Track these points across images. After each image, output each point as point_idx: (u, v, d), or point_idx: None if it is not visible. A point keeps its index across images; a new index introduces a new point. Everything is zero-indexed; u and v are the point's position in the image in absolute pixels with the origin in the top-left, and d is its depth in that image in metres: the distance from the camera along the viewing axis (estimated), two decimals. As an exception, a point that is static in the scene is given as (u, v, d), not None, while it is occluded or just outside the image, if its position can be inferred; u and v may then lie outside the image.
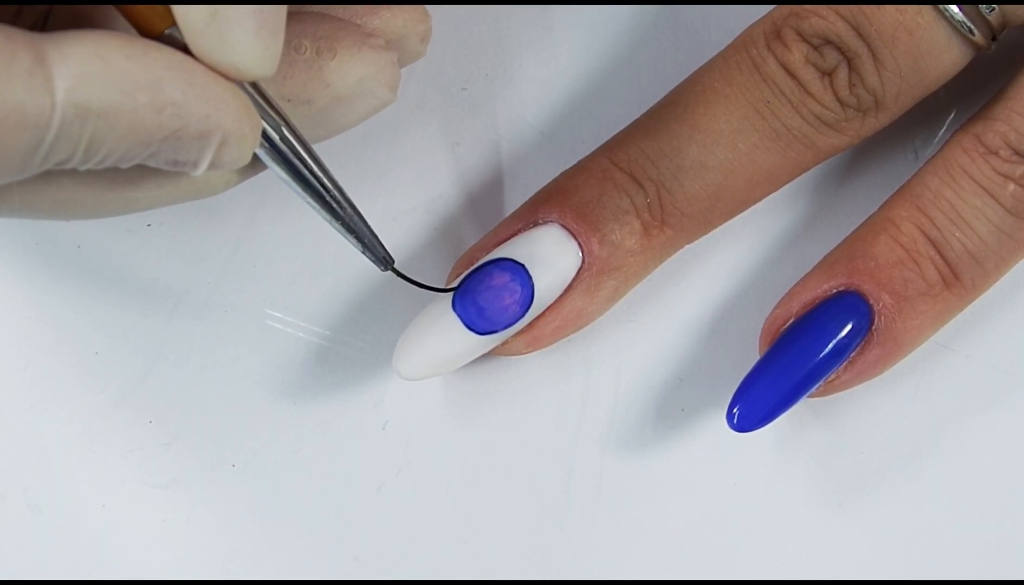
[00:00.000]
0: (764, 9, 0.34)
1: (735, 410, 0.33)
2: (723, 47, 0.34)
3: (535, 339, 0.34)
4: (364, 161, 0.37)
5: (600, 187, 0.33)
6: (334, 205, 0.30)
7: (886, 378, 0.35)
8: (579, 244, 0.33)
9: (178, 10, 0.26)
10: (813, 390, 0.33)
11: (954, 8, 0.32)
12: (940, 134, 0.36)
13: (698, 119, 0.33)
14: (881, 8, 0.32)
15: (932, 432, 0.36)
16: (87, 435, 0.36)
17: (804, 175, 0.35)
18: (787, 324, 0.34)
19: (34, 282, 0.36)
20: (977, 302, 0.34)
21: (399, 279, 0.33)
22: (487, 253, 0.34)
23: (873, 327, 0.33)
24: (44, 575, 0.36)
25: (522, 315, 0.33)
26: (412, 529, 0.36)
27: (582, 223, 0.33)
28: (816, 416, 0.36)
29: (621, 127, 0.35)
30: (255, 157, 0.29)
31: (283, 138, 0.29)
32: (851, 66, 0.32)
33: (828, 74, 0.33)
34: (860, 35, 0.32)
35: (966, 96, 0.36)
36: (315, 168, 0.29)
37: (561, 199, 0.34)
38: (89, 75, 0.25)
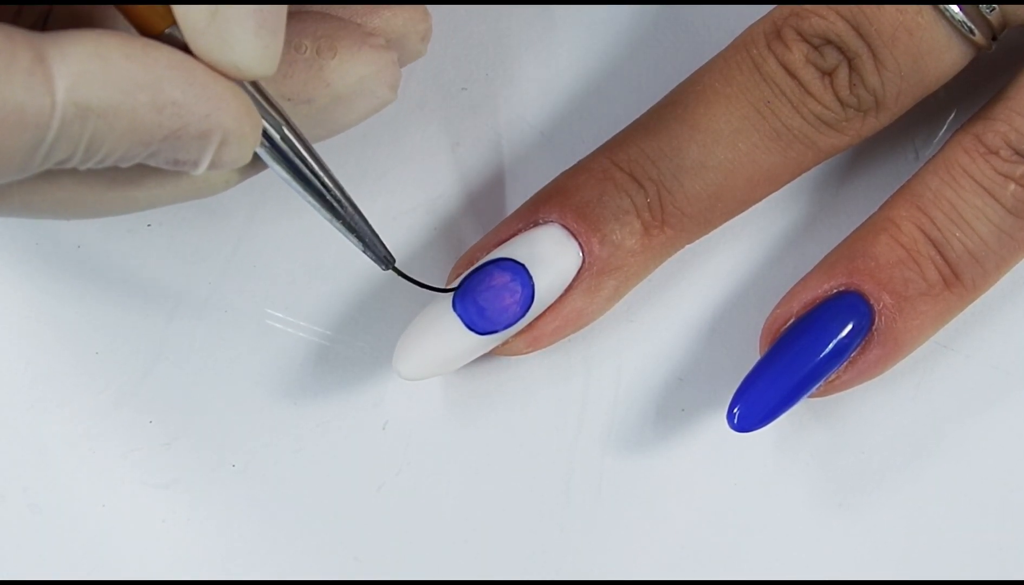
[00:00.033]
0: (764, 9, 0.34)
1: (735, 410, 0.33)
2: (723, 47, 0.34)
3: (535, 339, 0.34)
4: (364, 161, 0.37)
5: (600, 187, 0.33)
6: (335, 204, 0.30)
7: (886, 378, 0.35)
8: (579, 244, 0.33)
9: (178, 9, 0.26)
10: (813, 390, 0.33)
11: (954, 8, 0.32)
12: (940, 134, 0.36)
13: (698, 119, 0.33)
14: (881, 8, 0.32)
15: (932, 432, 0.36)
16: (87, 435, 0.36)
17: (804, 175, 0.35)
18: (787, 324, 0.34)
19: (34, 282, 0.36)
20: (977, 302, 0.34)
21: (399, 279, 0.33)
22: (487, 253, 0.34)
23: (873, 327, 0.33)
24: (44, 575, 0.36)
25: (522, 315, 0.33)
26: (412, 529, 0.36)
27: (582, 223, 0.33)
28: (816, 416, 0.36)
29: (621, 127, 0.35)
30: (255, 156, 0.29)
31: (283, 137, 0.29)
32: (851, 66, 0.32)
33: (828, 74, 0.33)
34: (860, 35, 0.32)
35: (966, 96, 0.36)
36: (316, 167, 0.29)
37: (561, 199, 0.34)
38: (89, 74, 0.25)
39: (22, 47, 0.25)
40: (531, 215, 0.34)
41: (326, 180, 0.30)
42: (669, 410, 0.36)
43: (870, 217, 0.34)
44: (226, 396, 0.36)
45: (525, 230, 0.34)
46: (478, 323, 0.33)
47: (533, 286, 0.33)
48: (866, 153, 0.36)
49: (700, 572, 0.35)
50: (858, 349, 0.33)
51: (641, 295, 0.36)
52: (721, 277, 0.36)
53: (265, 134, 0.28)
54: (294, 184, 0.29)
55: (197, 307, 0.36)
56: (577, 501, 0.36)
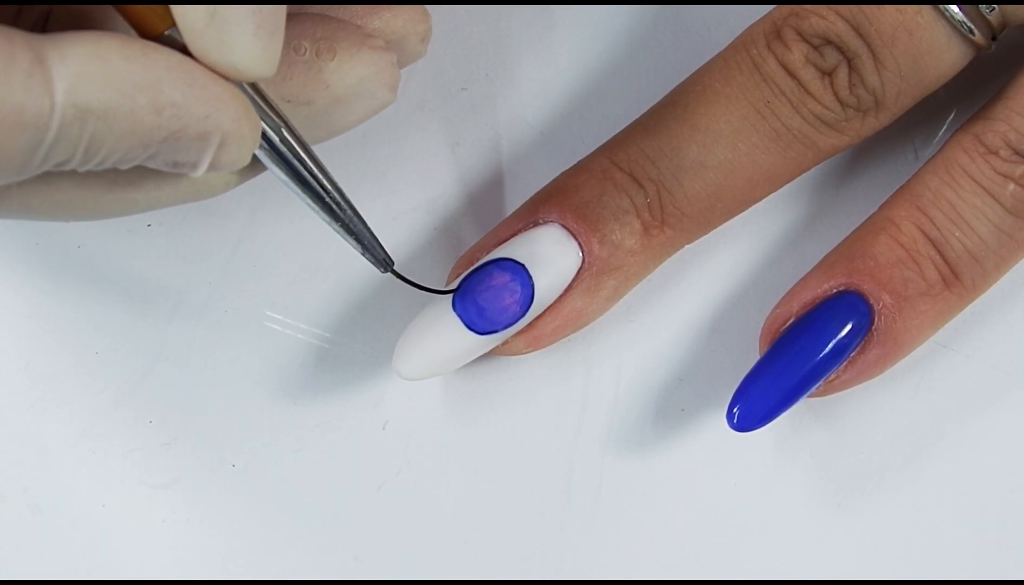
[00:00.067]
0: (764, 9, 0.34)
1: (735, 410, 0.33)
2: (723, 47, 0.34)
3: (535, 339, 0.34)
4: (364, 161, 0.37)
5: (600, 187, 0.33)
6: (334, 207, 0.30)
7: (886, 378, 0.35)
8: (579, 244, 0.33)
9: (177, 11, 0.26)
10: (813, 390, 0.33)
11: (954, 8, 0.32)
12: (940, 134, 0.36)
13: (698, 119, 0.33)
14: (881, 8, 0.32)
15: (932, 432, 0.36)
16: (87, 435, 0.36)
17: (804, 175, 0.35)
18: (787, 324, 0.34)
19: (34, 282, 0.36)
20: (977, 302, 0.34)
21: (399, 279, 0.33)
22: (487, 253, 0.34)
23: (873, 327, 0.33)
24: (44, 575, 0.36)
25: (522, 315, 0.33)
26: (412, 529, 0.36)
27: (582, 223, 0.33)
28: (816, 416, 0.36)
29: (621, 127, 0.34)
30: (254, 158, 0.29)
31: (283, 139, 0.29)
32: (851, 66, 0.32)
33: (828, 74, 0.33)
34: (860, 35, 0.32)
35: (966, 96, 0.36)
36: (315, 170, 0.29)
37: (561, 199, 0.34)
38: (88, 76, 0.25)
39: (21, 48, 0.25)
40: (531, 215, 0.34)
41: (325, 183, 0.30)
42: (669, 410, 0.36)
43: (870, 217, 0.34)
44: (226, 396, 0.36)
45: (525, 230, 0.34)
46: (478, 323, 0.33)
47: (533, 286, 0.33)
48: (866, 153, 0.36)
49: (700, 572, 0.35)
50: (858, 349, 0.33)
51: (641, 295, 0.36)
52: (721, 277, 0.36)
53: (264, 136, 0.28)
54: (293, 186, 0.29)
55: (197, 307, 0.36)
56: (577, 501, 0.36)
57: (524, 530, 0.36)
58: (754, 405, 0.33)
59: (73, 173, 0.27)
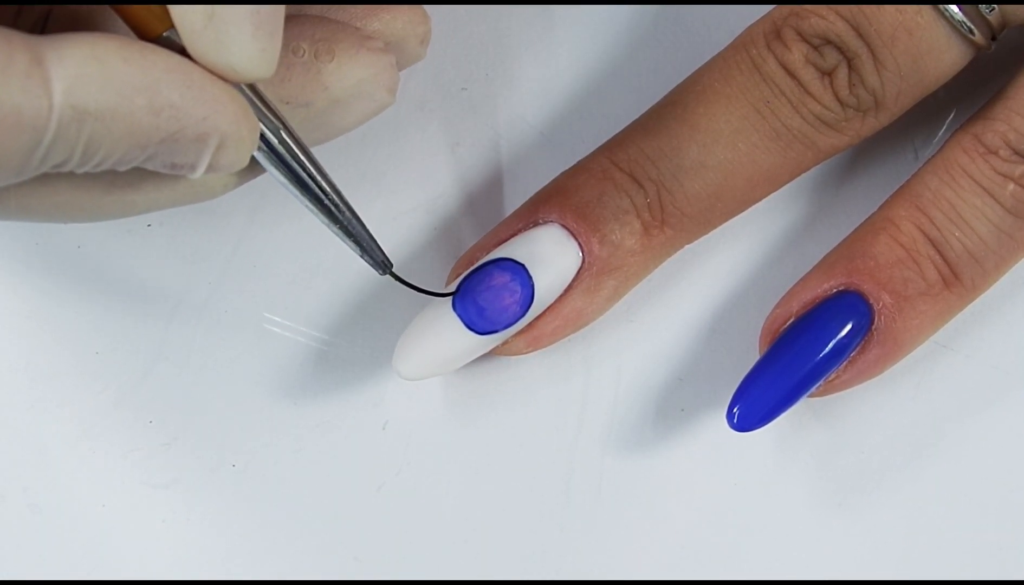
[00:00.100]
0: (764, 9, 0.34)
1: (735, 410, 0.33)
2: (723, 47, 0.34)
3: (535, 339, 0.34)
4: (364, 161, 0.37)
5: (600, 187, 0.33)
6: (332, 209, 0.30)
7: (886, 378, 0.35)
8: (579, 244, 0.33)
9: (175, 12, 0.26)
10: (813, 390, 0.33)
11: (954, 8, 0.32)
12: (940, 134, 0.36)
13: (698, 119, 0.33)
14: (881, 8, 0.32)
15: (932, 432, 0.36)
16: (87, 435, 0.36)
17: (804, 175, 0.35)
18: (787, 324, 0.34)
19: (34, 282, 0.36)
20: (977, 302, 0.34)
21: (398, 282, 0.33)
22: (487, 253, 0.34)
23: (873, 327, 0.33)
24: (44, 575, 0.36)
25: (522, 315, 0.33)
26: (412, 529, 0.36)
27: (582, 223, 0.33)
28: (816, 416, 0.36)
29: (621, 127, 0.34)
30: (253, 160, 0.29)
31: (281, 141, 0.29)
32: (851, 66, 0.32)
33: (828, 74, 0.33)
34: (860, 35, 0.32)
35: (966, 96, 0.36)
36: (313, 172, 0.29)
37: (561, 199, 0.34)
38: (86, 77, 0.25)
39: (19, 49, 0.25)
40: (531, 215, 0.34)
41: (323, 185, 0.30)
42: (669, 410, 0.36)
43: (870, 217, 0.34)
44: (226, 396, 0.36)
45: (525, 230, 0.34)
46: (478, 323, 0.33)
47: (533, 286, 0.33)
48: (866, 153, 0.36)
49: (700, 572, 0.35)
50: (858, 349, 0.33)
51: (641, 295, 0.36)
52: (721, 277, 0.36)
53: (263, 138, 0.28)
54: (291, 188, 0.29)
55: (197, 307, 0.36)
56: (577, 501, 0.36)
57: (524, 530, 0.36)
58: (754, 405, 0.33)
59: (71, 175, 0.27)
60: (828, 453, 0.36)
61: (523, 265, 0.33)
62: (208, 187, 0.29)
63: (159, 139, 0.26)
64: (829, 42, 0.32)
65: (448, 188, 0.37)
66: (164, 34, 0.27)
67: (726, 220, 0.34)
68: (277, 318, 0.36)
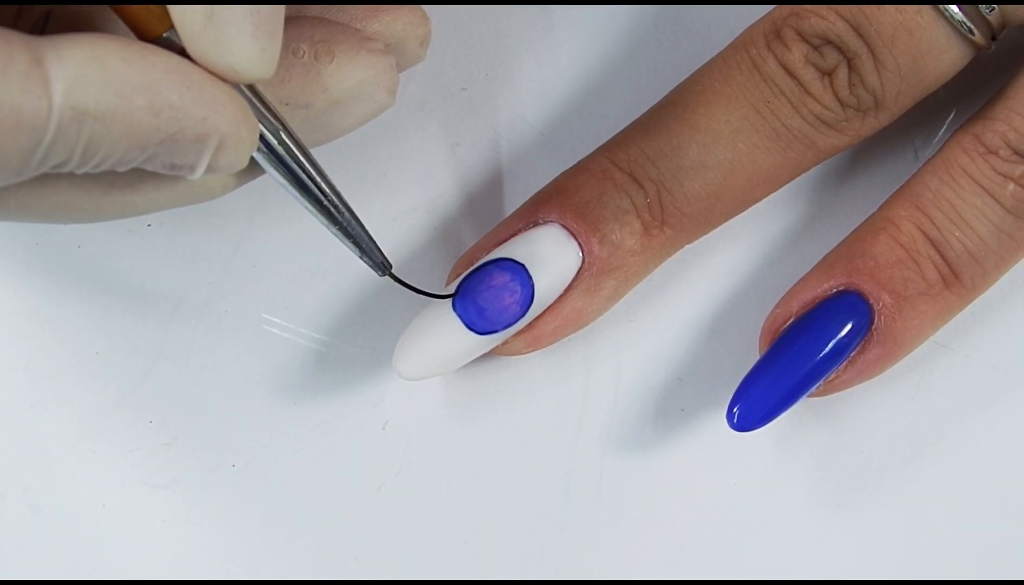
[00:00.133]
0: (764, 9, 0.34)
1: (735, 410, 0.33)
2: (723, 47, 0.34)
3: (535, 339, 0.34)
4: (364, 162, 0.37)
5: (600, 187, 0.33)
6: (332, 210, 0.30)
7: (886, 378, 0.35)
8: (579, 244, 0.33)
9: (175, 12, 0.26)
10: (813, 390, 0.33)
11: (954, 8, 0.32)
12: (940, 134, 0.36)
13: (698, 119, 0.33)
14: (881, 8, 0.32)
15: (932, 432, 0.36)
16: (87, 435, 0.36)
17: (804, 175, 0.35)
18: (787, 324, 0.34)
19: (34, 282, 0.36)
20: (977, 302, 0.34)
21: (397, 283, 0.33)
22: (487, 253, 0.34)
23: (873, 327, 0.33)
24: (44, 575, 0.36)
25: (522, 315, 0.33)
26: (412, 529, 0.36)
27: (582, 223, 0.33)
28: (816, 416, 0.36)
29: (621, 127, 0.34)
30: (252, 161, 0.29)
31: (281, 142, 0.29)
32: (851, 66, 0.32)
33: (828, 74, 0.33)
34: (860, 35, 0.32)
35: (966, 96, 0.36)
36: (312, 173, 0.29)
37: (561, 199, 0.34)
38: (86, 78, 0.25)
39: (19, 50, 0.25)
40: (531, 215, 0.34)
41: (323, 185, 0.30)
42: (669, 410, 0.36)
43: (870, 217, 0.34)
44: (226, 396, 0.36)
45: (525, 230, 0.34)
46: (478, 323, 0.33)
47: (533, 286, 0.33)
48: (866, 153, 0.36)
49: (700, 572, 0.35)
50: (857, 349, 0.33)
51: (641, 295, 0.36)
52: (721, 277, 0.36)
53: (262, 138, 0.28)
54: (291, 189, 0.29)
55: (197, 307, 0.36)
56: (577, 501, 0.36)
57: (524, 530, 0.36)
58: (754, 405, 0.33)
59: (71, 175, 0.27)
60: (828, 453, 0.36)
61: (523, 265, 0.33)
62: (207, 188, 0.29)
63: (159, 140, 0.26)
64: (829, 42, 0.32)
65: (448, 188, 0.37)
66: (164, 35, 0.27)
67: (726, 220, 0.34)
68: (276, 319, 0.36)
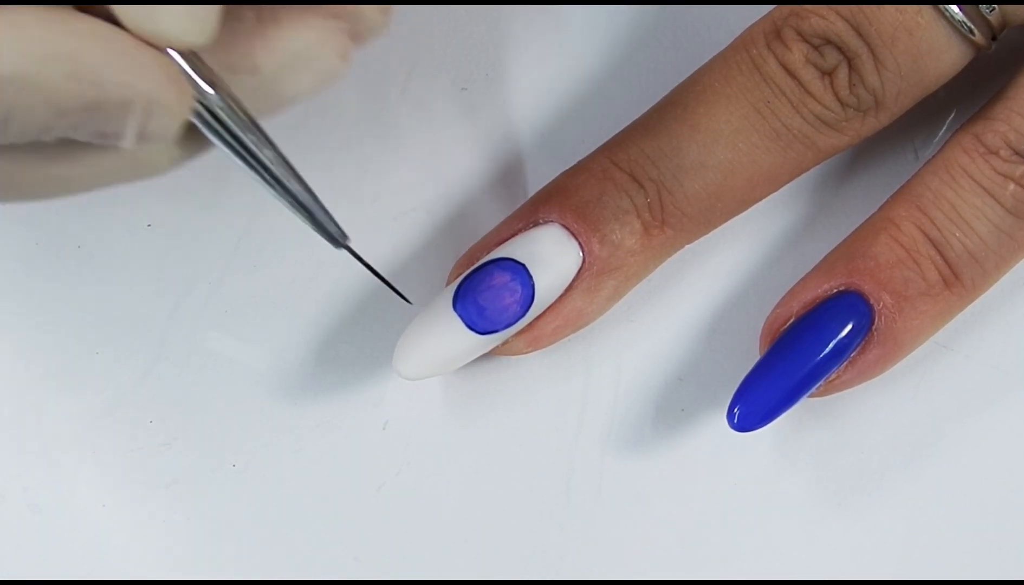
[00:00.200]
0: (764, 9, 0.34)
1: (735, 410, 0.33)
2: (723, 47, 0.34)
3: (535, 339, 0.34)
4: (364, 161, 0.37)
5: (600, 187, 0.33)
6: (280, 177, 0.29)
7: (886, 378, 0.35)
8: (579, 244, 0.33)
9: None
10: (813, 390, 0.33)
11: (954, 8, 0.32)
12: (940, 134, 0.36)
13: (698, 119, 0.33)
14: (881, 8, 0.32)
15: (932, 432, 0.36)
16: (87, 435, 0.36)
17: (804, 175, 0.35)
18: (787, 324, 0.34)
19: (34, 282, 0.36)
20: (977, 302, 0.34)
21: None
22: (487, 252, 0.34)
23: (873, 327, 0.33)
24: (44, 575, 0.36)
25: (522, 315, 0.33)
26: (412, 529, 0.36)
27: (582, 223, 0.33)
28: (816, 416, 0.36)
29: (621, 127, 0.34)
30: (198, 133, 0.28)
31: (222, 108, 0.27)
32: (851, 66, 0.32)
33: (828, 74, 0.33)
34: (860, 35, 0.32)
35: (966, 96, 0.36)
36: (256, 139, 0.28)
37: (561, 199, 0.34)
38: (2, 44, 0.24)
39: None
40: (531, 215, 0.34)
41: (268, 152, 0.28)
42: (669, 410, 0.36)
43: (870, 217, 0.34)
44: (226, 396, 0.36)
45: (525, 230, 0.34)
46: (478, 323, 0.33)
47: (533, 286, 0.33)
48: (866, 153, 0.36)
49: (700, 572, 0.35)
50: (858, 349, 0.33)
51: (641, 295, 0.36)
52: (721, 277, 0.36)
53: (204, 106, 0.27)
54: (235, 158, 0.28)
55: (197, 307, 0.36)
56: (577, 501, 0.36)
57: (524, 530, 0.36)
58: (754, 405, 0.33)
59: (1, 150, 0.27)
60: (828, 453, 0.36)
61: (523, 265, 0.33)
62: (152, 160, 0.28)
63: (80, 106, 0.25)
64: (829, 42, 0.32)
65: (448, 188, 0.37)
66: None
67: (726, 220, 0.34)
68: (273, 322, 0.36)
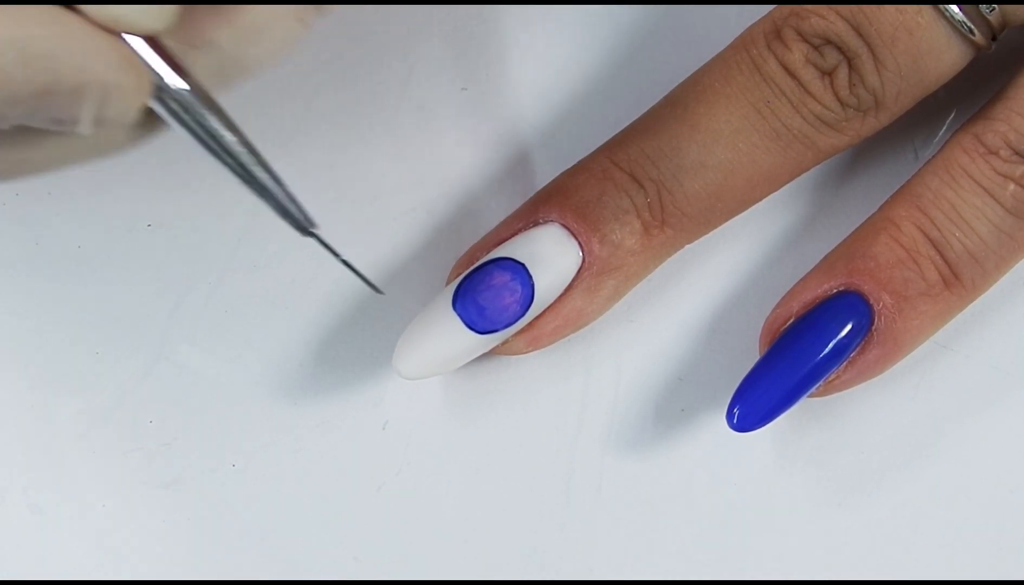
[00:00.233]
0: (764, 9, 0.34)
1: (735, 410, 0.33)
2: (723, 47, 0.34)
3: (535, 338, 0.34)
4: (364, 161, 0.37)
5: (600, 187, 0.33)
6: (246, 163, 0.28)
7: (886, 378, 0.35)
8: (579, 244, 0.33)
9: None
10: (813, 390, 0.33)
11: (954, 8, 0.32)
12: (940, 134, 0.36)
13: (698, 119, 0.33)
14: (881, 8, 0.32)
15: (932, 432, 0.36)
16: (87, 435, 0.36)
17: (804, 175, 0.34)
18: (787, 324, 0.34)
19: (34, 282, 0.36)
20: (977, 302, 0.34)
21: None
22: (487, 252, 0.34)
23: (873, 327, 0.33)
24: (44, 575, 0.36)
25: (522, 314, 0.33)
26: (412, 529, 0.36)
27: (582, 223, 0.33)
28: (816, 416, 0.36)
29: (621, 127, 0.34)
30: (155, 115, 0.27)
31: (184, 92, 0.27)
32: (851, 66, 0.32)
33: (828, 74, 0.33)
34: (860, 35, 0.32)
35: (966, 96, 0.36)
36: (220, 124, 0.27)
37: (561, 199, 0.34)
38: None
39: None
40: (531, 215, 0.34)
41: (230, 137, 0.27)
42: (669, 410, 0.36)
43: (870, 217, 0.34)
44: (226, 396, 0.36)
45: (525, 230, 0.34)
46: (478, 322, 0.33)
47: (533, 285, 0.33)
48: (866, 153, 0.36)
49: (700, 572, 0.35)
50: (857, 349, 0.33)
51: (641, 295, 0.36)
52: (721, 277, 0.36)
53: (164, 91, 0.27)
54: (196, 143, 0.27)
55: (197, 307, 0.36)
56: (577, 501, 0.36)
57: (524, 530, 0.36)
58: (754, 405, 0.33)
59: None
60: (828, 453, 0.36)
61: (523, 264, 0.33)
62: (112, 140, 0.28)
63: (31, 92, 0.25)
64: (829, 42, 0.32)
65: (448, 188, 0.37)
66: None
67: (726, 220, 0.34)
68: (273, 322, 0.36)
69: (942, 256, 0.33)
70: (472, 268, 0.34)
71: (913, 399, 0.36)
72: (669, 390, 0.36)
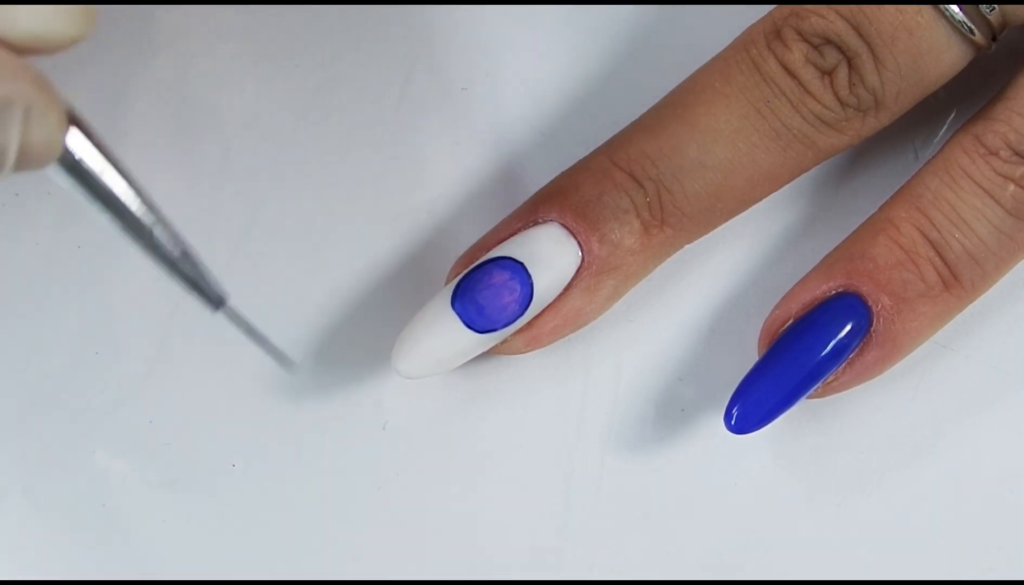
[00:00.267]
0: (764, 9, 0.34)
1: (734, 411, 0.33)
2: (723, 47, 0.34)
3: (534, 338, 0.34)
4: (363, 161, 0.37)
5: (600, 186, 0.33)
6: (157, 235, 0.26)
7: (886, 378, 0.35)
8: (579, 243, 0.33)
9: None
10: (812, 391, 0.33)
11: (954, 8, 0.32)
12: (940, 134, 0.36)
13: (698, 119, 0.33)
14: (881, 8, 0.32)
15: (932, 432, 0.36)
16: (87, 435, 0.36)
17: (804, 175, 0.34)
18: (786, 325, 0.34)
19: (34, 282, 0.36)
20: (977, 302, 0.34)
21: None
22: (487, 252, 0.34)
23: (872, 328, 0.33)
24: (44, 575, 0.36)
25: (521, 314, 0.33)
26: (412, 529, 0.36)
27: (582, 222, 0.33)
28: (816, 416, 0.36)
29: (621, 127, 0.34)
30: None
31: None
32: (851, 66, 0.32)
33: (828, 74, 0.33)
34: (860, 35, 0.32)
35: (966, 96, 0.36)
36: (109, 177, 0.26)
37: (561, 198, 0.34)
38: None
39: None
40: (531, 214, 0.34)
41: (138, 204, 0.26)
42: (669, 410, 0.36)
43: (869, 218, 0.34)
44: (226, 396, 0.36)
45: (524, 229, 0.34)
46: (477, 321, 0.33)
47: (532, 285, 0.33)
48: (866, 153, 0.36)
49: (700, 572, 0.35)
50: (857, 350, 0.33)
51: (641, 295, 0.36)
52: (721, 277, 0.36)
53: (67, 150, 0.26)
54: (89, 201, 0.26)
55: (197, 307, 0.36)
56: (577, 501, 0.36)
57: (524, 530, 0.36)
58: (753, 407, 0.33)
59: None
60: (828, 454, 0.36)
61: (522, 264, 0.33)
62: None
63: None
64: (829, 42, 0.32)
65: (448, 188, 0.37)
66: None
67: (726, 220, 0.34)
68: (276, 317, 0.36)
69: (941, 257, 0.33)
70: (471, 267, 0.34)
71: (913, 399, 0.36)
72: (669, 390, 0.36)
